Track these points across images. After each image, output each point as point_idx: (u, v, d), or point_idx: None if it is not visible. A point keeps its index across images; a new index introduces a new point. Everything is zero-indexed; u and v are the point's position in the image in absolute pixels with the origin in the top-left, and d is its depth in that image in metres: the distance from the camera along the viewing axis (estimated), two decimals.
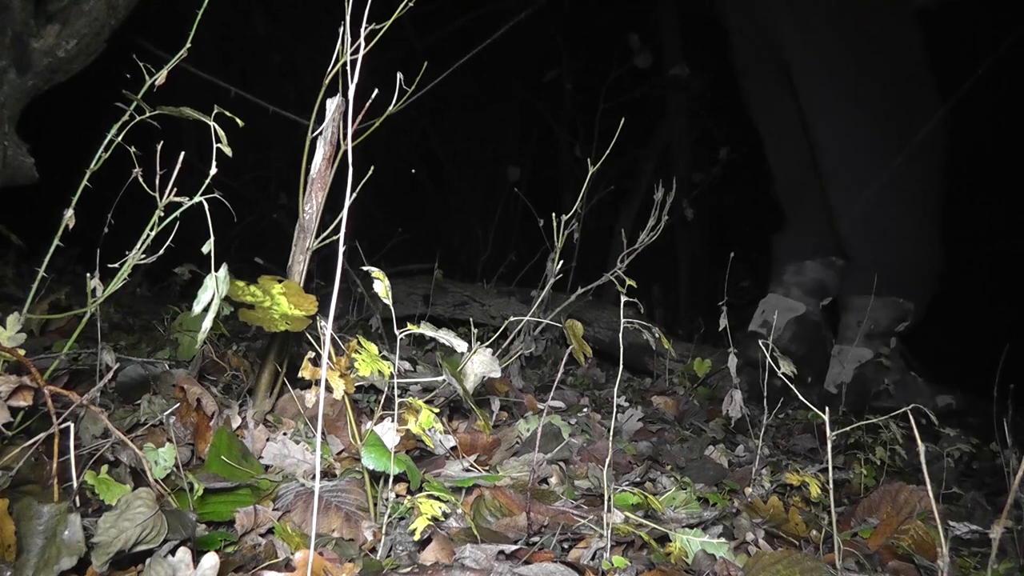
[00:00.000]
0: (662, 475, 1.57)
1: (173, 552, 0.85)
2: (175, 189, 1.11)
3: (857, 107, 2.86)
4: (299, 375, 1.05)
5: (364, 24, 1.15)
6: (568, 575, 0.98)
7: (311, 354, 1.06)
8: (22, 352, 1.01)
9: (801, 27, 2.95)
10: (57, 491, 0.96)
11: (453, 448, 1.47)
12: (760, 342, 1.53)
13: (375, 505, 1.15)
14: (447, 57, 2.96)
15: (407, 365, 2.06)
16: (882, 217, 2.84)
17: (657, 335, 1.56)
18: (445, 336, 1.23)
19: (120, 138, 1.16)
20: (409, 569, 0.99)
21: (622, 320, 1.21)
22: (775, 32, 3.05)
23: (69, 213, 1.13)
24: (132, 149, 1.16)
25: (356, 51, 1.09)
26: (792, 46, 2.99)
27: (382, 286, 1.02)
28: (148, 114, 1.15)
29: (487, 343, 1.62)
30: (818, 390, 2.89)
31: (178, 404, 1.33)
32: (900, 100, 2.84)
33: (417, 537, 1.03)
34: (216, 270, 1.02)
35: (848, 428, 1.44)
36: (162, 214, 1.12)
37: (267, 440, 1.34)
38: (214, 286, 1.01)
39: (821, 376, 2.95)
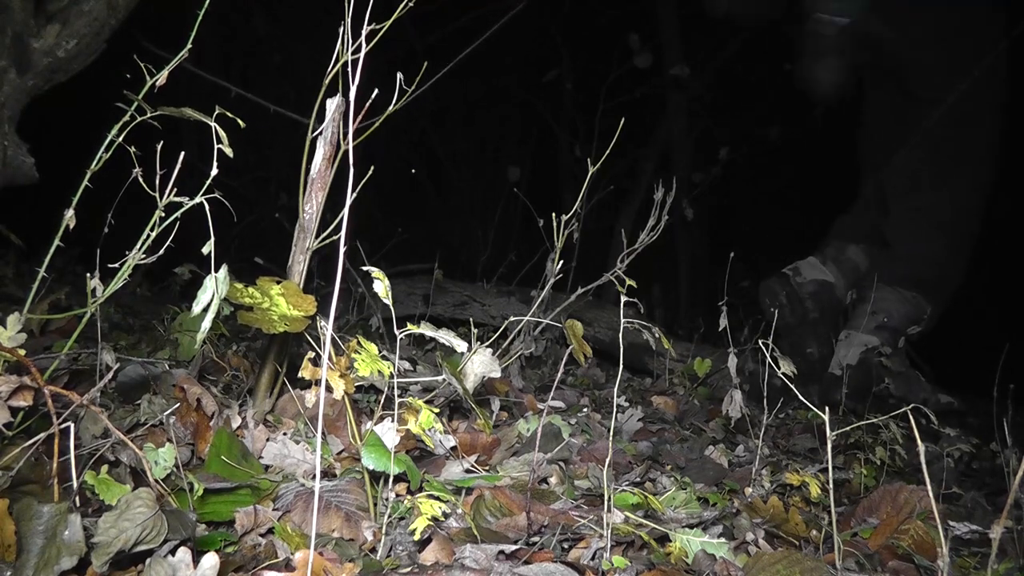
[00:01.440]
0: (662, 475, 1.57)
1: (173, 552, 0.85)
2: (175, 189, 1.11)
3: (913, 105, 2.93)
4: (299, 375, 1.05)
5: (364, 24, 1.15)
6: (568, 575, 0.98)
7: (311, 354, 1.06)
8: (22, 352, 1.01)
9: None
10: (57, 491, 0.96)
11: (453, 448, 1.47)
12: (761, 342, 1.53)
13: (375, 505, 1.15)
14: (447, 57, 2.96)
15: (407, 365, 2.06)
16: (932, 214, 2.90)
17: (657, 335, 1.56)
18: (445, 336, 1.23)
19: (121, 138, 1.16)
20: (409, 569, 0.99)
21: (622, 320, 1.21)
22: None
23: (69, 213, 1.13)
24: (132, 149, 1.16)
25: (356, 51, 1.09)
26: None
27: (382, 286, 1.02)
28: (149, 114, 1.15)
29: (487, 343, 1.62)
30: (817, 388, 2.90)
31: (178, 404, 1.33)
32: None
33: (417, 537, 1.03)
34: (216, 270, 1.02)
35: (848, 428, 1.44)
36: (162, 214, 1.12)
37: (267, 440, 1.34)
38: (214, 286, 1.01)
39: (822, 365, 2.96)
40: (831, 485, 1.09)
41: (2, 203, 1.81)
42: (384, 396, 1.50)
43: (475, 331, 1.78)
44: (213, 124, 1.09)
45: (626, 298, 1.34)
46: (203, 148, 1.16)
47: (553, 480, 1.40)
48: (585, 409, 2.06)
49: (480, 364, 1.55)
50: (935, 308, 2.90)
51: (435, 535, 1.07)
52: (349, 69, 1.11)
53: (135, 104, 1.14)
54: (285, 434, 1.37)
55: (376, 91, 1.22)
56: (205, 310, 1.01)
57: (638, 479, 1.52)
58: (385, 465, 1.10)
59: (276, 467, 1.28)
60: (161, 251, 1.14)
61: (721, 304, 1.96)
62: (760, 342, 1.49)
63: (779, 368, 1.41)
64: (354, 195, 0.84)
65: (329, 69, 1.28)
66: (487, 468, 1.42)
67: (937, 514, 0.97)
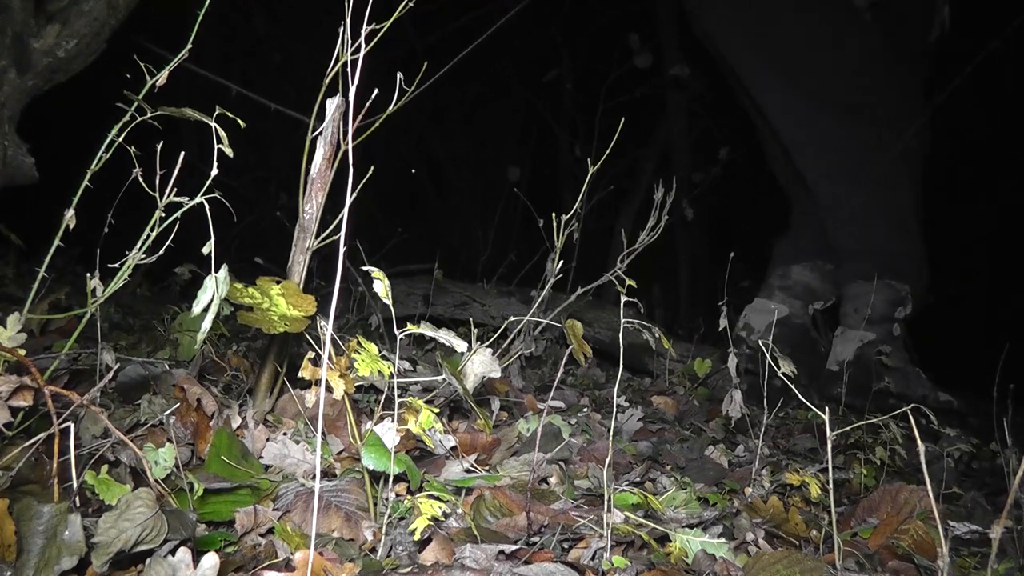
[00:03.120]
0: (662, 475, 1.57)
1: (173, 552, 0.86)
2: (175, 189, 1.11)
3: (821, 110, 2.93)
4: (299, 375, 1.05)
5: (364, 24, 1.15)
6: (568, 575, 0.98)
7: (311, 354, 1.06)
8: (22, 352, 1.01)
9: (750, 40, 3.06)
10: (57, 491, 0.96)
11: (453, 448, 1.47)
12: (760, 342, 1.53)
13: (375, 505, 1.15)
14: (447, 57, 2.96)
15: (407, 365, 2.06)
16: (870, 211, 2.91)
17: (657, 335, 1.56)
18: (445, 336, 1.23)
19: (121, 139, 1.16)
20: (409, 569, 0.99)
21: (622, 320, 1.21)
22: (720, 42, 3.16)
23: (69, 213, 1.13)
24: (132, 149, 1.16)
25: (356, 51, 1.09)
26: (743, 59, 3.12)
27: (382, 286, 1.02)
28: (149, 114, 1.15)
29: (487, 343, 1.62)
30: (815, 390, 2.90)
31: (178, 404, 1.33)
32: (875, 102, 2.90)
33: (417, 537, 1.03)
34: (216, 270, 1.02)
35: (848, 428, 1.44)
36: (162, 214, 1.12)
37: (267, 440, 1.34)
38: (214, 286, 1.01)
39: (813, 376, 2.97)
40: (831, 485, 1.09)
41: (2, 203, 1.81)
42: (384, 396, 1.50)
43: (475, 331, 1.78)
44: (213, 124, 1.09)
45: (626, 298, 1.34)
46: (203, 148, 1.16)
47: (553, 480, 1.40)
48: (585, 409, 2.06)
49: (480, 364, 1.55)
50: (913, 285, 2.91)
51: (435, 535, 1.07)
52: (349, 69, 1.11)
53: (135, 104, 1.14)
54: (285, 434, 1.37)
55: (376, 91, 1.22)
56: (205, 310, 1.01)
57: (638, 479, 1.52)
58: (385, 465, 1.10)
59: (276, 467, 1.28)
60: (161, 251, 1.14)
61: (721, 304, 1.96)
62: (760, 342, 1.49)
63: (779, 368, 1.41)
64: (354, 195, 0.84)
65: (329, 69, 1.28)
66: (487, 468, 1.42)
67: (937, 514, 0.97)
